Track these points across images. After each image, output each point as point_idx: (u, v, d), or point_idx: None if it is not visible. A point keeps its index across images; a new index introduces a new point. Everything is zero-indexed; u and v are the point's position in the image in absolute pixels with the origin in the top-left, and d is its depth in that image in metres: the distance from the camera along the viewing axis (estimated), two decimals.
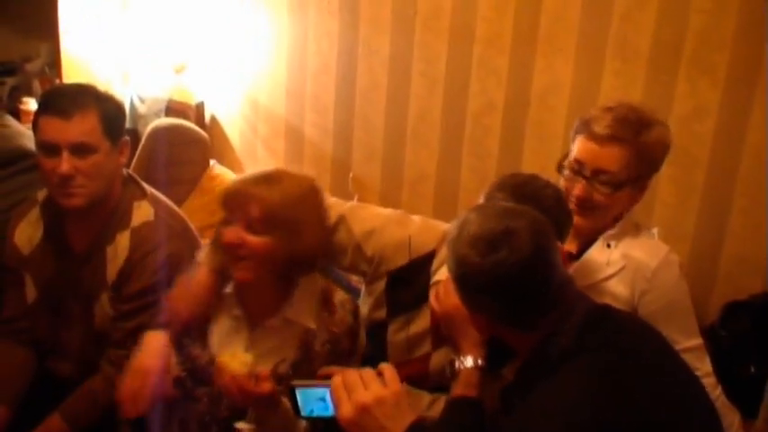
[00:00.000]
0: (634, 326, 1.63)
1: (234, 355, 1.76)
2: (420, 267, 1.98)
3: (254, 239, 1.83)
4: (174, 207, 2.25)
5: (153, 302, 2.08)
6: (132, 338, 2.08)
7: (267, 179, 1.88)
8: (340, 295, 2.00)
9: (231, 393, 1.74)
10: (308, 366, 1.93)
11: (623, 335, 1.56)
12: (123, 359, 2.07)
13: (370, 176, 2.95)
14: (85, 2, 3.34)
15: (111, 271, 2.10)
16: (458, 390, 1.70)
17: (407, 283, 1.99)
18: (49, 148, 2.00)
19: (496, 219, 1.53)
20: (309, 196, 1.91)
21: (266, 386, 1.74)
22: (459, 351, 1.76)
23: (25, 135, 2.37)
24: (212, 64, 3.36)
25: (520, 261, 1.47)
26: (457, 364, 1.73)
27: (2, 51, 3.53)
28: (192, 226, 2.29)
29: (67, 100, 2.01)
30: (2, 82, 3.43)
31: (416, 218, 2.07)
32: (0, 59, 3.50)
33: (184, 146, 3.15)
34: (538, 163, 2.72)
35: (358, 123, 3.08)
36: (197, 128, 3.22)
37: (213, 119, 3.44)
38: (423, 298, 1.96)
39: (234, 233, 1.83)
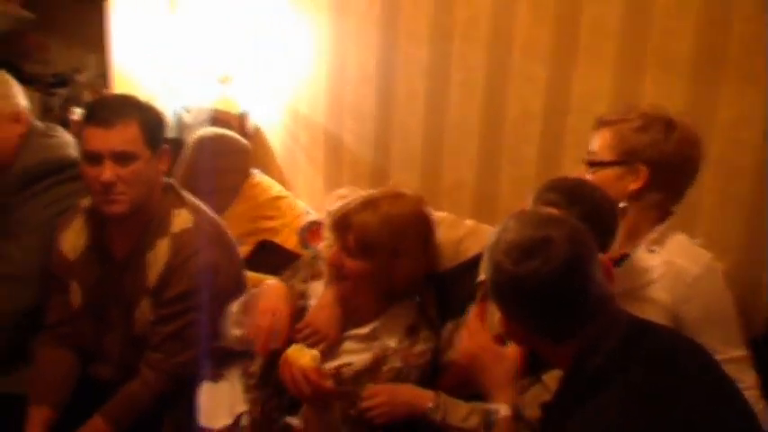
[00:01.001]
0: (675, 343, 1.59)
1: (302, 350, 1.82)
2: (467, 271, 2.05)
3: (351, 263, 1.96)
4: (213, 214, 2.30)
5: (191, 307, 2.14)
6: (170, 342, 2.14)
7: (369, 204, 1.97)
8: (426, 330, 2.04)
9: (298, 384, 1.79)
10: (368, 382, 1.98)
11: (664, 353, 1.52)
12: (161, 363, 2.15)
13: (409, 184, 2.94)
14: (133, 15, 3.42)
15: (152, 276, 2.15)
16: None
17: (456, 286, 2.05)
18: (93, 157, 2.06)
19: (535, 226, 1.52)
20: (410, 221, 1.97)
21: (328, 383, 1.81)
22: (490, 397, 1.76)
23: (71, 145, 2.44)
24: (255, 75, 3.41)
25: (553, 271, 1.45)
26: (492, 414, 1.73)
27: (55, 63, 3.63)
28: (230, 233, 2.33)
29: (109, 110, 2.08)
30: (54, 93, 3.54)
31: (469, 222, 2.11)
32: (53, 71, 3.60)
33: (227, 155, 3.20)
34: (577, 171, 2.70)
35: (396, 132, 3.10)
36: (239, 137, 3.28)
37: (256, 128, 3.49)
38: (471, 301, 2.00)
39: (335, 255, 1.99)
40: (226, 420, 2.07)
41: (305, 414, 1.92)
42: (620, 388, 1.45)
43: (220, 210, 3.04)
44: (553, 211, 1.71)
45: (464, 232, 2.11)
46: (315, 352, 1.82)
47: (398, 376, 1.98)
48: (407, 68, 3.03)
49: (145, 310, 2.16)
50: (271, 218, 3.17)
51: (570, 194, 1.79)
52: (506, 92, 2.84)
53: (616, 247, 1.97)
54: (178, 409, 2.17)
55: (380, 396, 1.91)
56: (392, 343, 2.01)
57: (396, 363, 1.99)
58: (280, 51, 3.33)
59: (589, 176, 2.00)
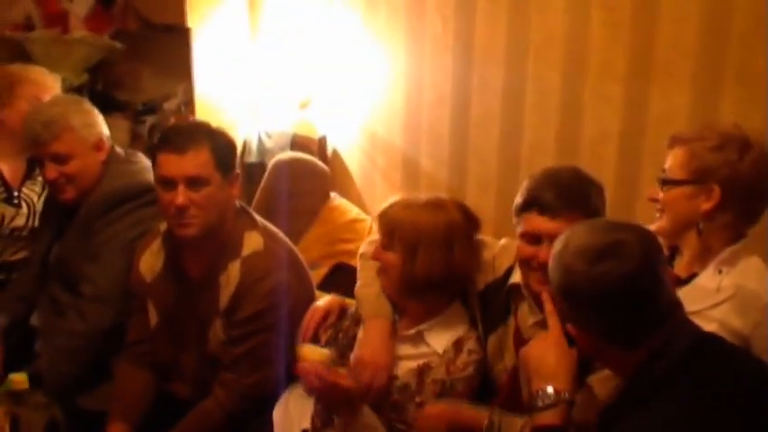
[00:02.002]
0: (741, 359, 1.57)
1: (315, 349, 1.91)
2: (501, 285, 2.07)
3: (383, 254, 2.06)
4: (284, 238, 2.34)
5: (262, 328, 2.18)
6: (242, 363, 2.19)
7: (407, 203, 2.08)
8: (472, 343, 2.06)
9: (307, 379, 1.87)
10: (413, 393, 2.00)
11: (729, 368, 1.51)
12: (233, 382, 2.20)
13: (485, 207, 2.94)
14: (216, 43, 3.54)
15: (224, 298, 2.21)
16: (544, 419, 1.67)
17: (492, 301, 2.08)
18: (166, 182, 2.14)
19: (604, 231, 1.54)
20: (436, 225, 2.01)
21: (345, 382, 1.87)
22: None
23: (150, 170, 2.52)
24: (334, 99, 3.46)
25: (628, 272, 1.47)
26: (540, 395, 1.71)
27: (144, 92, 3.77)
28: (301, 256, 2.37)
29: (182, 137, 2.15)
30: (143, 120, 3.67)
31: (503, 240, 2.17)
32: (142, 99, 3.74)
33: (305, 178, 3.26)
34: (654, 191, 2.63)
35: (472, 153, 3.09)
36: (317, 160, 3.33)
37: (335, 152, 3.54)
38: (508, 312, 2.05)
39: (375, 248, 2.10)
40: None
41: (338, 424, 1.95)
42: (682, 394, 1.45)
43: (299, 232, 3.10)
44: None
45: (498, 249, 2.15)
46: (325, 350, 1.91)
47: (443, 389, 2.00)
48: (482, 90, 3.03)
49: (217, 331, 2.22)
50: (348, 241, 3.20)
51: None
52: (582, 112, 2.80)
53: (685, 266, 1.96)
54: (251, 429, 2.22)
55: (436, 417, 1.91)
56: (439, 349, 2.04)
57: (439, 374, 2.01)
58: (357, 76, 3.37)
59: (661, 195, 1.98)
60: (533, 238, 1.91)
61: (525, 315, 2.03)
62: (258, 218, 2.31)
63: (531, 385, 1.70)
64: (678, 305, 1.57)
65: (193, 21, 3.47)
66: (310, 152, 3.41)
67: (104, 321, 2.39)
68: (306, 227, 3.21)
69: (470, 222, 2.07)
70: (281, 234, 2.33)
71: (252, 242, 2.23)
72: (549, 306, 1.78)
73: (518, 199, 1.97)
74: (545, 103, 2.88)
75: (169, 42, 3.57)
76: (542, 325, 1.95)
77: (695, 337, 1.53)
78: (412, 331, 2.07)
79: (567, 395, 1.65)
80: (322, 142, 3.49)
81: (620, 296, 1.48)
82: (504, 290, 2.06)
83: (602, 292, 1.48)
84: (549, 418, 1.63)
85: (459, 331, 2.06)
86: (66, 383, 2.33)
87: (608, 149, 2.77)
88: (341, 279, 2.97)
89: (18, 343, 2.54)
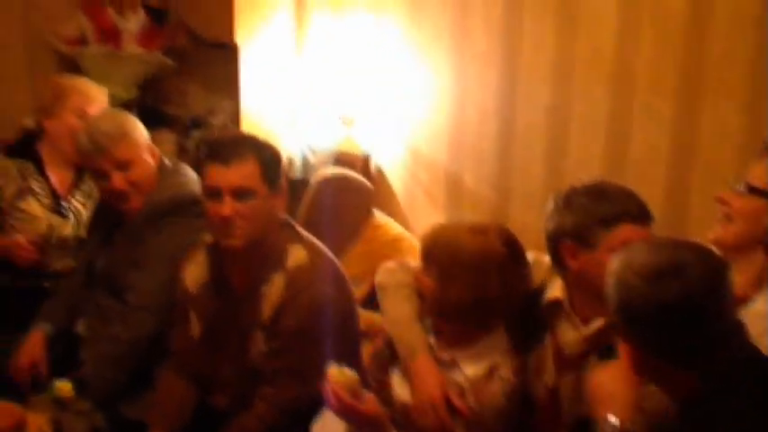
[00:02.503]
0: None
1: (342, 371, 1.88)
2: (534, 300, 2.04)
3: (421, 277, 2.03)
4: (328, 252, 2.34)
5: (304, 342, 2.17)
6: (283, 377, 2.18)
7: (449, 227, 2.06)
8: (506, 371, 1.99)
9: (328, 399, 1.86)
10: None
11: None
12: (274, 396, 2.19)
13: (529, 225, 2.91)
14: (262, 60, 3.58)
15: (266, 310, 2.21)
16: None
17: (527, 318, 2.04)
18: (212, 193, 2.15)
19: (666, 250, 1.52)
20: (473, 253, 1.95)
21: (367, 406, 1.85)
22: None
23: (197, 182, 2.54)
24: (378, 116, 3.47)
25: (692, 291, 1.45)
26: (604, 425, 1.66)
27: (192, 107, 3.82)
28: (345, 271, 2.36)
29: (229, 148, 2.17)
30: (190, 135, 3.71)
31: (530, 255, 2.10)
32: (190, 114, 3.79)
33: (349, 195, 3.26)
34: (705, 210, 2.59)
35: (517, 172, 3.08)
36: (361, 177, 3.33)
37: (378, 169, 3.54)
38: (545, 329, 2.02)
39: (417, 271, 2.07)
40: None
41: None
42: (740, 413, 1.44)
43: (341, 249, 3.10)
44: None
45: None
46: (352, 373, 1.88)
47: (471, 417, 1.96)
48: (527, 107, 3.02)
49: (259, 343, 2.22)
50: (391, 258, 3.18)
51: None
52: (629, 129, 2.78)
53: (740, 289, 1.85)
54: None
55: None
56: (469, 372, 1.99)
57: (469, 401, 1.97)
58: (401, 93, 3.38)
59: (737, 202, 1.92)
60: None
61: (565, 331, 1.99)
62: (303, 231, 2.31)
63: (594, 412, 1.67)
64: (740, 327, 1.54)
65: (241, 37, 3.51)
66: (354, 169, 3.41)
67: (147, 330, 2.41)
68: (348, 244, 3.20)
69: (512, 252, 1.99)
70: (325, 248, 2.33)
71: (296, 255, 2.23)
72: None
73: (603, 212, 1.87)
74: (591, 120, 2.86)
75: (217, 58, 3.62)
76: (586, 341, 1.94)
77: (754, 361, 1.50)
78: (447, 357, 2.02)
79: (629, 426, 1.61)
80: (366, 159, 3.50)
81: (680, 315, 1.45)
82: (537, 306, 2.01)
83: (660, 312, 1.46)
84: None
85: (495, 358, 2.00)
86: (109, 391, 2.34)
87: (656, 167, 2.73)
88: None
89: (63, 351, 2.56)
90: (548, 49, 2.92)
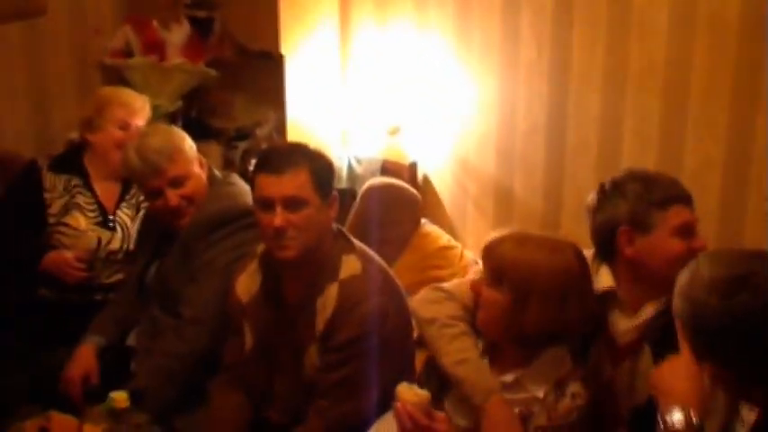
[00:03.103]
0: None
1: (412, 389, 1.81)
2: None
3: (485, 291, 1.92)
4: (382, 262, 2.32)
5: (358, 354, 2.14)
6: (337, 389, 2.15)
7: (520, 239, 1.93)
8: (576, 386, 1.92)
9: (401, 420, 1.78)
10: None
11: None
12: (328, 410, 2.16)
13: (581, 238, 2.88)
14: (309, 71, 3.58)
15: (320, 322, 2.18)
16: None
17: None
18: (265, 203, 2.14)
19: (733, 262, 1.50)
20: (551, 270, 1.87)
21: (441, 426, 1.78)
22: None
23: (248, 193, 2.52)
24: (425, 125, 3.46)
25: (762, 304, 1.42)
26: (669, 419, 1.63)
27: (237, 118, 3.83)
28: (399, 281, 2.34)
29: (280, 158, 2.15)
30: (235, 146, 3.72)
31: None
32: (235, 126, 3.80)
33: (397, 204, 3.24)
34: (762, 221, 2.54)
35: (568, 182, 3.04)
36: (409, 187, 3.31)
37: (425, 178, 3.52)
38: (597, 323, 1.99)
39: (477, 281, 1.98)
40: None
41: None
42: None
43: (390, 260, 3.07)
44: None
45: None
46: (423, 392, 1.80)
47: None
48: (578, 118, 2.99)
49: (313, 356, 2.19)
50: (440, 267, 3.16)
51: None
52: (683, 140, 2.73)
53: None
54: None
55: None
56: (539, 393, 1.91)
57: (541, 421, 1.89)
58: (449, 101, 3.36)
59: None
60: (686, 230, 1.92)
61: (618, 321, 1.98)
62: (356, 241, 2.29)
63: (660, 407, 1.63)
64: None
65: (287, 48, 3.51)
66: (401, 178, 3.39)
67: (202, 343, 2.40)
68: (397, 254, 3.18)
69: (586, 270, 1.94)
70: (378, 258, 2.31)
71: (350, 265, 2.20)
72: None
73: (657, 196, 1.94)
74: (645, 131, 2.82)
75: (262, 69, 3.62)
76: (638, 329, 1.95)
77: None
78: (510, 378, 1.94)
79: (695, 420, 1.57)
80: (412, 168, 3.48)
81: (751, 329, 1.43)
82: None
83: (737, 326, 1.43)
84: None
85: (560, 372, 1.93)
86: (162, 404, 2.32)
87: (711, 178, 2.68)
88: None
89: (114, 364, 2.56)
90: (599, 59, 2.89)
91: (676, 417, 1.58)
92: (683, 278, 1.54)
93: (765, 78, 2.52)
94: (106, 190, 2.99)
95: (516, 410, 1.92)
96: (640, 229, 1.92)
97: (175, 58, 3.64)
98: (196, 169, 2.53)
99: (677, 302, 1.55)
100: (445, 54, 3.34)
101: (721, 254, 1.58)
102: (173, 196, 2.47)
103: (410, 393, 1.79)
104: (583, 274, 1.92)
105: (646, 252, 1.93)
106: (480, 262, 2.00)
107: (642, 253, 1.93)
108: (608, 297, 1.99)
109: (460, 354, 1.98)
